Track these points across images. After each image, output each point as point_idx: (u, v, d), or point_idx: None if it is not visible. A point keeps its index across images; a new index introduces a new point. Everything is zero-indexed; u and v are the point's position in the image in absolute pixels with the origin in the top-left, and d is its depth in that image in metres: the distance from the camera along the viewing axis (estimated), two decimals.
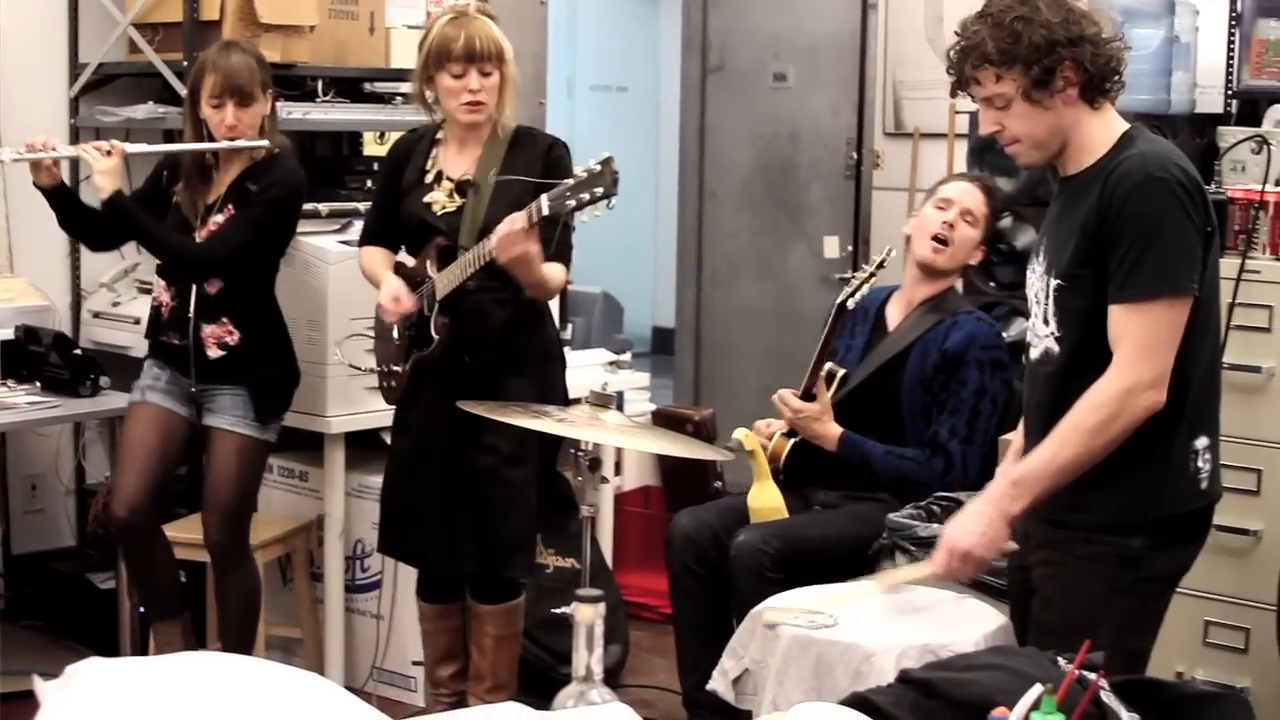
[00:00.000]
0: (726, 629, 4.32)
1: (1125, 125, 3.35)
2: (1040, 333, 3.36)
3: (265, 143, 4.80)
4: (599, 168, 4.04)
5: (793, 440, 4.79)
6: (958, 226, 4.76)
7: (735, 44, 7.82)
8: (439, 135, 4.60)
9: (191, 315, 4.76)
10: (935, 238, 4.77)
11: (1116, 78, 3.31)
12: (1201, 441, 3.32)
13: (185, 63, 5.49)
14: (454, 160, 4.55)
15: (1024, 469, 3.29)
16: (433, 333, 4.46)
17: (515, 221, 4.18)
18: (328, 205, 5.41)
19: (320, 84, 5.78)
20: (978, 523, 3.32)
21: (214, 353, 4.76)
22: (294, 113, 5.63)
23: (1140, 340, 3.17)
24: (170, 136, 5.81)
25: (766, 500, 4.67)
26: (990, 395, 4.69)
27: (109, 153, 4.70)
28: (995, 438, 4.68)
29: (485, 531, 4.49)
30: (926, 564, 3.51)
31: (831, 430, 4.69)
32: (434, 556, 4.61)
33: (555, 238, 4.35)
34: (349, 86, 5.92)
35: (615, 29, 12.10)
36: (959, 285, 5.23)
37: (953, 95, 3.45)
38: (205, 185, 4.83)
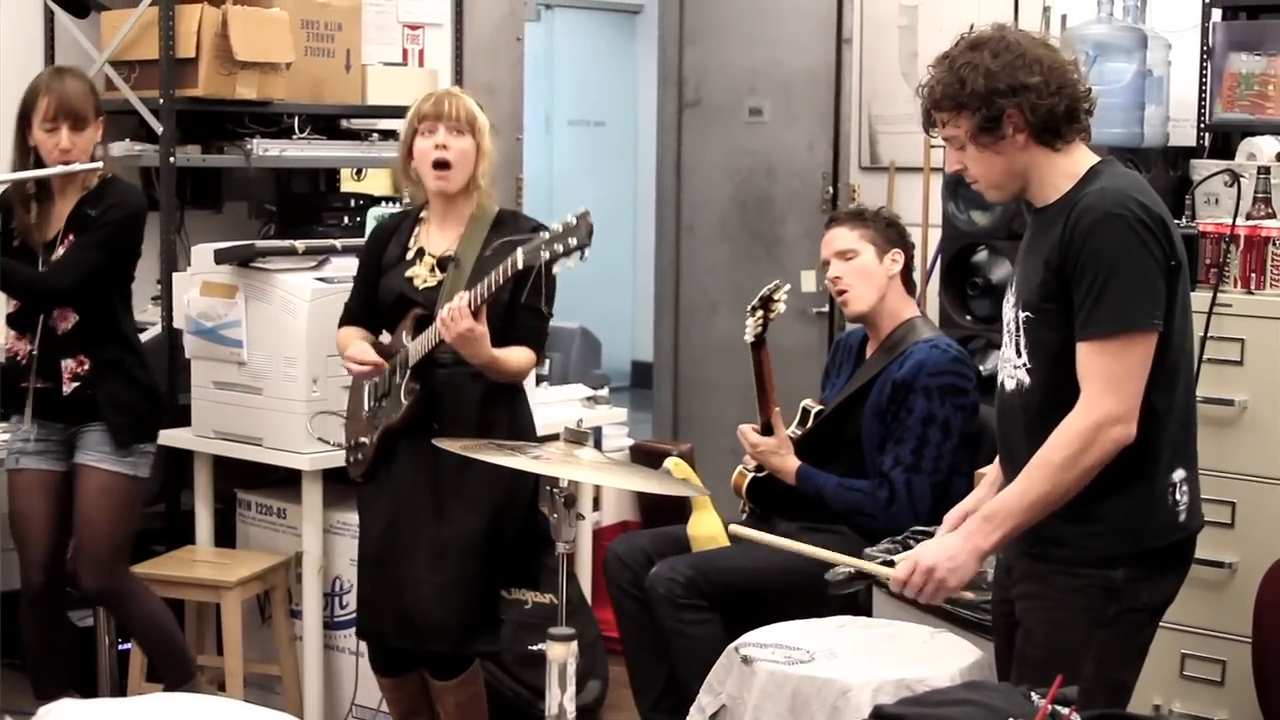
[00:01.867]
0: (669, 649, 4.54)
1: (1093, 159, 3.36)
2: (1013, 363, 3.38)
3: (99, 165, 4.69)
4: (574, 220, 4.05)
5: (753, 474, 4.83)
6: (841, 274, 4.81)
7: (711, 79, 7.85)
8: (422, 214, 4.61)
9: (37, 355, 4.70)
10: (840, 300, 4.82)
11: (1073, 121, 3.32)
12: (1179, 474, 3.33)
13: (161, 100, 5.51)
14: (436, 237, 4.56)
15: (996, 504, 3.31)
16: (402, 398, 4.46)
17: (460, 298, 4.22)
18: (304, 242, 5.40)
19: (296, 121, 5.80)
20: (948, 549, 3.33)
21: (68, 387, 4.72)
22: (270, 150, 5.65)
23: (1105, 376, 3.19)
24: (146, 174, 5.83)
25: (705, 529, 4.78)
26: (940, 422, 4.65)
27: None
28: (951, 464, 4.65)
29: (440, 612, 4.44)
30: (888, 568, 3.49)
31: (790, 463, 4.74)
32: (395, 635, 4.56)
33: (525, 322, 4.41)
34: (325, 123, 5.94)
35: (592, 64, 12.14)
36: (928, 313, 5.22)
37: (925, 131, 3.49)
38: (43, 219, 4.73)
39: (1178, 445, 3.34)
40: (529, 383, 4.77)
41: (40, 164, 4.68)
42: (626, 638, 4.85)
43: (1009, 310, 3.41)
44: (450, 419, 4.44)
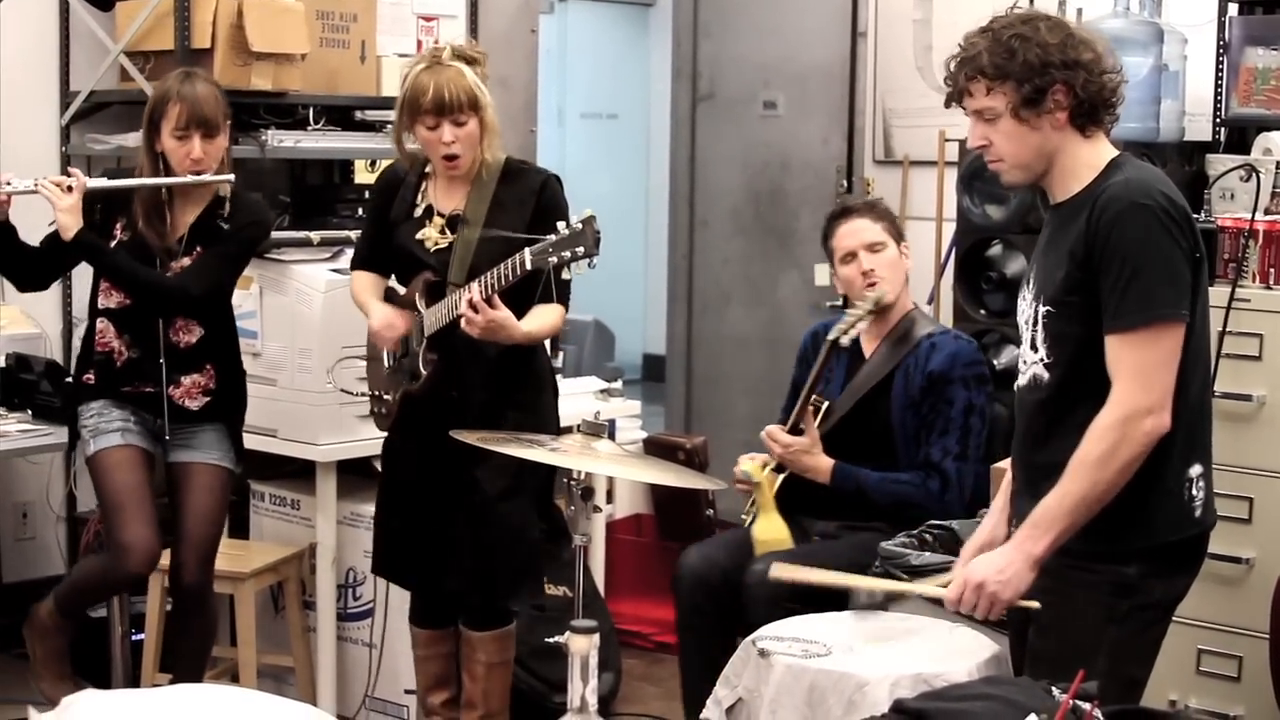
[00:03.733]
0: None
1: (1114, 152, 3.36)
2: (1029, 359, 3.37)
3: (230, 177, 4.62)
4: (580, 226, 4.01)
5: (781, 475, 4.78)
6: (874, 265, 4.77)
7: (725, 72, 7.85)
8: (428, 169, 4.56)
9: (164, 365, 4.61)
10: (865, 286, 4.77)
11: (1110, 108, 3.33)
12: (1195, 469, 3.33)
13: None
14: (444, 195, 4.52)
15: (1040, 510, 3.28)
16: (421, 368, 4.45)
17: (471, 291, 4.19)
18: (319, 234, 5.41)
19: (311, 112, 5.79)
20: (1000, 560, 3.31)
21: (196, 403, 4.67)
22: (285, 141, 5.64)
23: (1135, 368, 3.18)
24: None
25: (773, 532, 4.64)
26: (978, 411, 4.71)
27: (70, 189, 4.47)
28: (986, 454, 4.68)
29: (482, 564, 4.48)
30: (941, 589, 3.47)
31: (822, 462, 4.69)
32: (429, 583, 4.61)
33: (542, 282, 4.29)
34: (340, 115, 5.93)
35: (606, 57, 12.13)
36: (922, 305, 5.22)
37: (947, 105, 3.46)
38: (161, 225, 4.61)
39: (1194, 440, 3.34)
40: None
41: (169, 169, 4.58)
42: (687, 651, 4.75)
43: (1026, 307, 3.40)
44: (469, 380, 4.44)
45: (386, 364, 4.59)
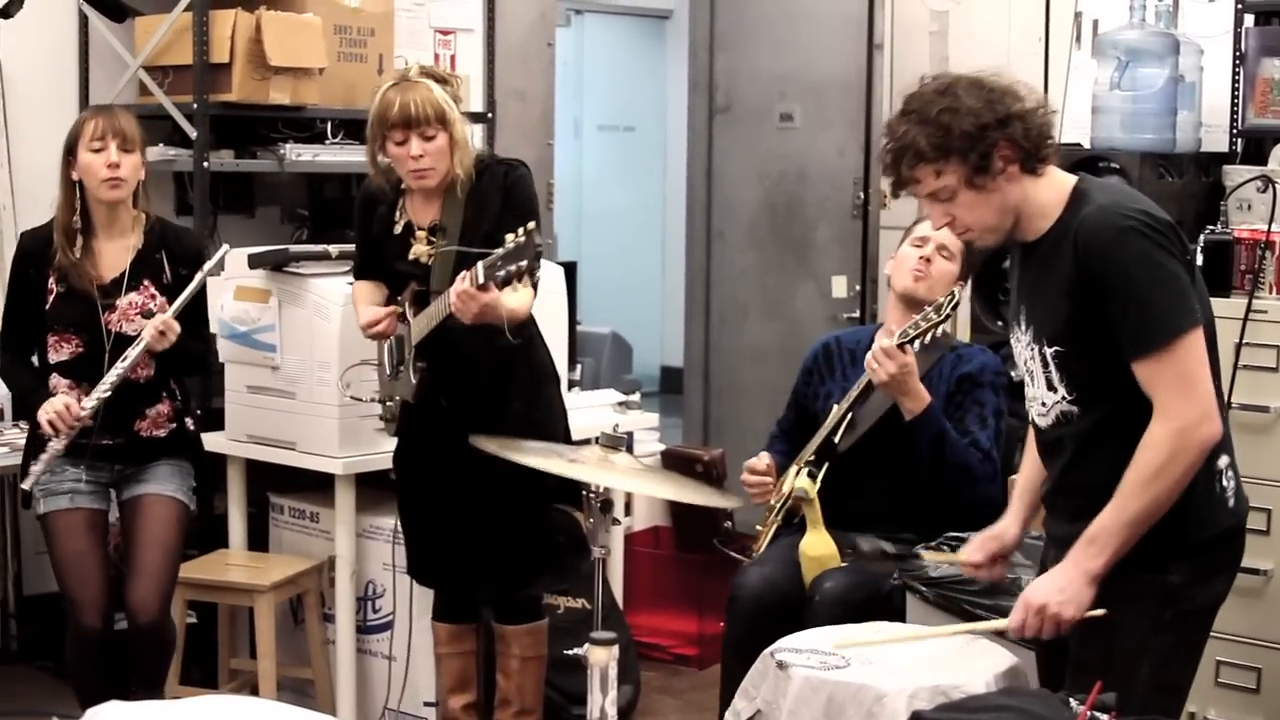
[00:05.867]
0: None
1: (1070, 178, 3.35)
2: (1047, 400, 3.34)
3: (227, 247, 4.89)
4: (523, 238, 4.06)
5: (816, 483, 4.73)
6: (934, 260, 4.76)
7: (742, 84, 7.86)
8: (404, 185, 4.58)
9: (128, 406, 4.67)
10: (914, 270, 4.78)
11: (1050, 141, 3.32)
12: (1223, 460, 3.32)
13: (195, 105, 5.53)
14: (420, 209, 4.57)
15: (1097, 526, 3.25)
16: (412, 376, 4.52)
17: (463, 280, 4.23)
18: (337, 247, 5.41)
19: (329, 125, 5.81)
20: (1059, 580, 3.29)
21: (163, 431, 4.75)
22: (303, 154, 5.67)
23: (1174, 382, 3.17)
24: (180, 179, 5.86)
25: (821, 548, 4.61)
26: (1004, 416, 4.72)
27: (164, 332, 4.57)
28: (1004, 465, 4.68)
29: (497, 555, 4.57)
30: (999, 620, 3.47)
31: (923, 391, 4.58)
32: (452, 578, 4.72)
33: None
34: (357, 128, 5.94)
35: (622, 69, 12.14)
36: (957, 323, 5.19)
37: (894, 196, 3.45)
38: (89, 258, 4.66)
39: None
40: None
41: (84, 196, 4.66)
42: (735, 674, 4.69)
43: (1025, 350, 3.38)
44: (460, 385, 4.52)
45: (387, 368, 4.67)
